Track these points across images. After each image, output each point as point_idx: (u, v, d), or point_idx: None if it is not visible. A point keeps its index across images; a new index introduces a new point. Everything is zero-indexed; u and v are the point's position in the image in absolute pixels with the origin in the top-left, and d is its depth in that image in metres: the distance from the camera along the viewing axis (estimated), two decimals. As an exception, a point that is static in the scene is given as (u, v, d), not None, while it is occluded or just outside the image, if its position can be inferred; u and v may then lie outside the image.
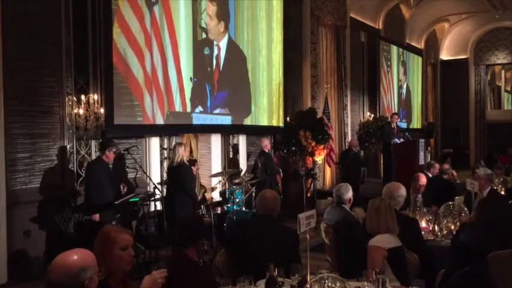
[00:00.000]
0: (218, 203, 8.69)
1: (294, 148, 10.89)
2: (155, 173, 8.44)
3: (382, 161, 13.97)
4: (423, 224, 5.08)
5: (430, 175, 7.90)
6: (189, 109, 8.78)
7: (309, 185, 10.97)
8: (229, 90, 9.70)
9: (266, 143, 9.66)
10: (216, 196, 9.35)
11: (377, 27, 16.40)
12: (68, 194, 7.19)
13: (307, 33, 12.48)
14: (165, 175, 8.26)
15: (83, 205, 6.97)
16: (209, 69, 9.29)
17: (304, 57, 12.44)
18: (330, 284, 2.91)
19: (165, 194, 7.69)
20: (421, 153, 10.90)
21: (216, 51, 9.44)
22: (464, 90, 21.88)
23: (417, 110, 19.51)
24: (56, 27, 7.06)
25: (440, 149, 21.27)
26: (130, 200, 7.08)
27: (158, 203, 7.87)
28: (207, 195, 9.12)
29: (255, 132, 10.74)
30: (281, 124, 11.23)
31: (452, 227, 5.06)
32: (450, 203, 5.51)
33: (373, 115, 15.47)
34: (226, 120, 9.68)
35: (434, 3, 17.74)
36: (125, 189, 7.09)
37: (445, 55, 22.29)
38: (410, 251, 4.03)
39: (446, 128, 22.13)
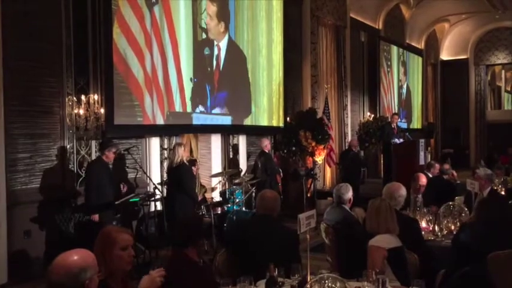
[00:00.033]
0: (218, 203, 8.69)
1: (294, 148, 10.89)
2: (155, 173, 8.45)
3: (382, 161, 13.97)
4: (423, 224, 5.08)
5: (430, 175, 7.91)
6: (189, 109, 8.78)
7: (309, 185, 10.97)
8: (230, 91, 9.70)
9: (266, 143, 9.67)
10: (216, 196, 9.35)
11: (377, 27, 16.40)
12: (68, 194, 7.20)
13: (307, 33, 12.48)
14: (165, 175, 8.26)
15: (83, 205, 6.97)
16: (209, 69, 9.29)
17: (304, 57, 12.44)
18: (330, 284, 2.91)
19: (165, 194, 7.69)
20: (421, 154, 10.90)
21: (216, 52, 9.44)
22: (465, 91, 21.88)
23: (417, 110, 19.51)
24: (56, 27, 7.07)
25: (440, 149, 21.27)
26: (131, 200, 7.08)
27: (158, 203, 7.88)
28: (207, 196, 9.12)
29: (255, 132, 10.74)
30: (281, 124, 11.23)
31: (453, 227, 5.06)
32: (450, 203, 5.51)
33: (373, 115, 15.47)
34: (226, 120, 9.68)
35: (434, 3, 17.75)
36: (125, 189, 7.08)
37: (445, 55, 22.29)
38: (410, 251, 4.03)
39: (446, 128, 22.13)
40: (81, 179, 7.25)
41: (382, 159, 13.93)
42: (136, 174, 8.11)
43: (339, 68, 14.02)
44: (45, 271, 2.28)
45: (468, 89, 21.87)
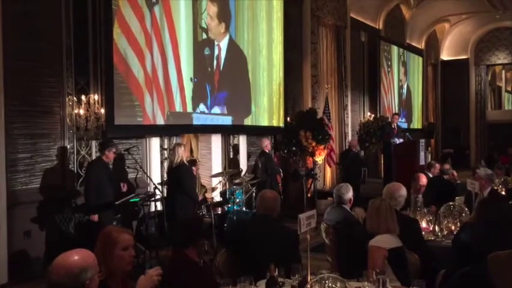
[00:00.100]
0: (218, 203, 8.69)
1: (294, 148, 10.89)
2: (155, 173, 8.45)
3: (382, 161, 13.97)
4: (423, 224, 5.08)
5: (431, 175, 7.91)
6: (189, 109, 8.78)
7: (309, 185, 10.97)
8: (230, 91, 9.70)
9: (266, 143, 9.67)
10: (216, 196, 9.35)
11: (377, 27, 16.40)
12: (68, 194, 7.19)
13: (307, 34, 12.48)
14: (165, 175, 8.25)
15: (83, 205, 6.97)
16: (209, 69, 9.29)
17: (304, 58, 12.44)
18: (330, 284, 2.91)
19: (165, 194, 7.69)
20: (422, 154, 10.89)
21: (216, 52, 9.44)
22: (465, 91, 21.88)
23: (418, 110, 19.52)
24: (56, 27, 7.06)
25: (440, 149, 21.27)
26: (131, 200, 7.08)
27: (158, 203, 7.88)
28: (208, 196, 9.12)
29: (255, 132, 10.74)
30: (281, 124, 11.23)
31: (453, 227, 5.06)
32: (451, 203, 5.51)
33: (373, 115, 15.47)
34: (227, 120, 9.68)
35: (435, 3, 17.74)
36: (125, 188, 7.09)
37: (445, 55, 22.29)
38: (410, 251, 4.03)
39: (446, 128, 22.13)
40: (81, 179, 7.25)
41: (382, 159, 13.93)
42: (137, 175, 8.11)
43: (339, 68, 14.02)
44: (46, 271, 2.28)
45: (468, 89, 21.87)
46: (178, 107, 8.54)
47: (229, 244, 4.32)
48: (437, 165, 8.46)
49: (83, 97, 7.24)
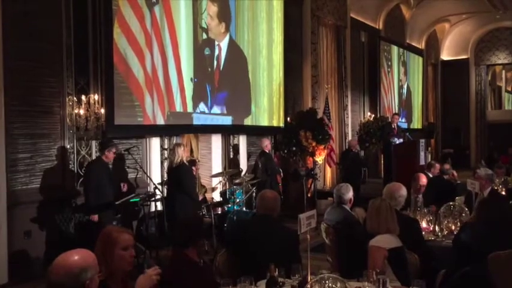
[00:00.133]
0: (219, 203, 8.69)
1: (294, 148, 10.89)
2: (156, 173, 8.45)
3: (382, 161, 13.97)
4: (424, 224, 5.08)
5: (431, 175, 7.91)
6: (189, 109, 8.78)
7: (309, 185, 10.97)
8: (230, 91, 9.70)
9: (266, 143, 9.67)
10: (216, 196, 9.35)
11: (377, 27, 16.40)
12: (68, 194, 7.19)
13: (307, 34, 12.48)
14: (165, 175, 8.25)
15: (83, 205, 6.97)
16: (209, 69, 9.29)
17: (304, 58, 12.44)
18: (330, 284, 2.91)
19: (165, 195, 7.68)
20: (422, 154, 10.89)
21: (216, 52, 9.44)
22: (465, 91, 21.88)
23: (418, 110, 19.52)
24: (56, 27, 7.06)
25: (440, 149, 21.27)
26: (131, 200, 7.08)
27: (159, 203, 7.88)
28: (208, 196, 9.12)
29: (255, 132, 10.74)
30: (281, 124, 11.23)
31: (453, 227, 5.06)
32: (451, 203, 5.51)
33: (373, 115, 15.47)
34: (227, 120, 9.68)
35: (435, 3, 17.74)
36: (125, 188, 7.09)
37: (445, 55, 22.29)
38: (410, 251, 4.03)
39: (446, 128, 22.13)
40: (81, 179, 7.25)
41: (382, 159, 13.93)
42: (137, 175, 8.11)
43: (340, 68, 14.02)
44: (46, 271, 2.27)
45: (468, 89, 21.87)
46: (178, 107, 8.54)
47: (229, 244, 4.31)
48: (438, 165, 8.46)
49: (83, 97, 7.24)
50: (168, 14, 8.34)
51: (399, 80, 17.70)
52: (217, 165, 10.00)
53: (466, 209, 5.32)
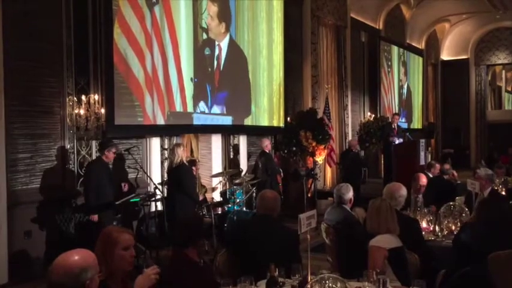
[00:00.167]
0: (219, 203, 8.70)
1: (294, 148, 10.89)
2: (156, 173, 8.45)
3: (382, 161, 13.98)
4: (424, 224, 5.08)
5: (431, 175, 7.91)
6: (189, 109, 8.78)
7: (309, 185, 10.97)
8: (230, 91, 9.70)
9: (267, 143, 9.67)
10: (216, 196, 9.35)
11: (377, 27, 16.40)
12: (68, 194, 7.19)
13: (307, 34, 12.48)
14: (165, 175, 8.25)
15: (83, 205, 6.97)
16: (210, 69, 9.29)
17: (304, 58, 12.44)
18: (330, 284, 2.91)
19: (165, 195, 7.68)
20: (422, 154, 10.89)
21: (217, 52, 9.44)
22: (465, 91, 21.88)
23: (418, 110, 19.52)
24: (57, 27, 7.06)
25: (440, 149, 21.27)
26: (131, 200, 7.08)
27: (159, 203, 7.87)
28: (208, 196, 9.12)
29: (255, 132, 10.74)
30: (281, 124, 11.23)
31: (453, 228, 5.06)
32: (451, 203, 5.51)
33: (373, 115, 15.47)
34: (227, 120, 9.69)
35: (435, 3, 17.74)
36: (126, 188, 7.10)
37: (445, 55, 22.29)
38: (410, 251, 4.03)
39: (446, 128, 22.13)
40: (81, 179, 7.25)
41: (382, 159, 13.94)
42: (137, 175, 8.11)
43: (340, 68, 14.02)
44: (46, 271, 2.28)
45: (469, 89, 21.87)
46: (178, 107, 8.54)
47: (229, 244, 4.31)
48: (438, 165, 8.45)
49: (83, 97, 7.24)
50: (168, 14, 8.34)
51: (399, 80, 17.70)
52: (217, 165, 10.00)
53: (466, 209, 5.32)
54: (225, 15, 9.62)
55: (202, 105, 9.03)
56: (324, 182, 13.10)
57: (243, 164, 10.42)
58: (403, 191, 4.87)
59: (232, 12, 9.85)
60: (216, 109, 9.35)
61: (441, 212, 5.32)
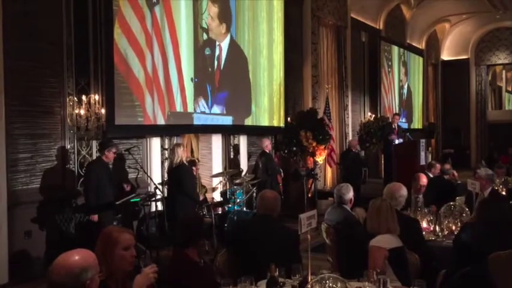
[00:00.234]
0: (219, 203, 8.70)
1: (294, 148, 10.89)
2: (156, 173, 8.45)
3: (383, 161, 13.98)
4: (424, 224, 5.08)
5: (431, 175, 7.91)
6: (189, 109, 8.78)
7: (309, 185, 10.97)
8: (230, 91, 9.70)
9: (267, 144, 9.67)
10: (216, 196, 9.35)
11: (378, 27, 16.39)
12: (68, 194, 7.19)
13: (308, 34, 12.48)
14: (165, 175, 8.25)
15: (83, 205, 6.97)
16: (210, 69, 9.29)
17: (305, 58, 12.44)
18: (331, 284, 2.91)
19: (166, 194, 7.69)
20: (422, 154, 10.89)
21: (217, 52, 9.44)
22: (465, 91, 21.88)
23: (418, 110, 19.52)
24: (57, 27, 7.06)
25: (441, 149, 21.27)
26: (131, 200, 7.08)
27: (159, 203, 7.87)
28: (208, 196, 9.12)
29: (255, 132, 10.74)
30: (282, 124, 11.23)
31: (453, 228, 5.06)
32: (451, 203, 5.51)
33: (374, 115, 15.47)
34: (227, 120, 9.68)
35: (435, 3, 17.74)
36: (128, 188, 7.11)
37: (445, 55, 22.29)
38: (411, 252, 4.03)
39: (447, 128, 22.13)
40: (82, 179, 7.25)
41: (382, 159, 13.94)
42: (137, 175, 8.11)
43: (340, 68, 14.01)
44: (46, 271, 2.28)
45: (469, 89, 21.87)
46: (178, 107, 8.54)
47: (229, 244, 4.31)
48: (438, 165, 8.45)
49: (84, 97, 7.24)
50: (168, 14, 8.34)
51: (400, 80, 17.70)
52: (217, 165, 10.00)
53: (467, 209, 5.32)
54: (225, 16, 9.62)
55: (202, 105, 9.03)
56: (324, 182, 13.10)
57: (243, 164, 10.42)
58: (404, 191, 4.87)
59: (233, 12, 9.85)
60: (216, 109, 9.35)
61: (441, 212, 5.32)
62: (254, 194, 8.68)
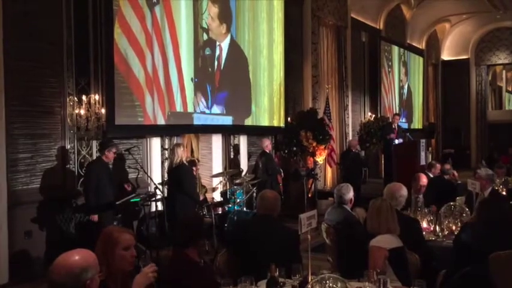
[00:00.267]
0: (219, 203, 8.69)
1: (295, 148, 10.89)
2: (156, 173, 8.45)
3: (383, 161, 13.97)
4: (424, 224, 5.08)
5: (431, 175, 7.91)
6: (190, 109, 8.78)
7: (310, 186, 10.97)
8: (230, 91, 9.70)
9: (267, 144, 9.67)
10: (217, 196, 9.35)
11: (378, 27, 16.39)
12: (69, 194, 7.19)
13: (308, 34, 12.48)
14: (166, 175, 8.25)
15: (84, 205, 6.97)
16: (210, 69, 9.29)
17: (305, 58, 12.44)
18: (331, 284, 2.91)
19: (166, 194, 7.69)
20: (422, 154, 10.89)
21: (217, 52, 9.44)
22: (466, 91, 21.87)
23: (418, 110, 19.52)
24: (57, 27, 7.06)
25: (441, 149, 21.27)
26: (132, 200, 7.08)
27: (159, 203, 7.87)
28: (208, 196, 9.12)
29: (255, 132, 10.74)
30: (282, 124, 11.23)
31: (454, 228, 5.06)
32: (451, 203, 5.51)
33: (374, 115, 15.47)
34: (227, 120, 9.68)
35: (435, 3, 17.74)
36: (129, 188, 7.11)
37: (446, 55, 22.29)
38: (411, 252, 4.03)
39: (447, 128, 22.13)
40: (81, 179, 7.25)
41: (383, 159, 13.94)
42: (137, 175, 8.11)
43: (340, 68, 14.01)
44: (46, 271, 2.28)
45: (469, 89, 21.87)
46: (178, 107, 8.54)
47: (229, 244, 4.32)
48: (438, 165, 8.45)
49: (84, 97, 7.24)
50: (168, 14, 8.34)
51: (400, 80, 17.70)
52: (217, 166, 10.00)
53: (467, 209, 5.32)
54: (225, 16, 9.62)
55: (202, 106, 9.03)
56: (325, 182, 13.10)
57: (244, 164, 10.42)
58: (404, 191, 4.87)
59: (233, 13, 9.85)
60: (216, 109, 9.35)
61: (441, 212, 5.32)
62: (254, 194, 8.67)
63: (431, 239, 4.89)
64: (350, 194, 5.09)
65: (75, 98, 7.20)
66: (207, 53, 9.20)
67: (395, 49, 17.22)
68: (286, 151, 11.02)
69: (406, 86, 18.34)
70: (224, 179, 9.31)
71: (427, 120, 20.45)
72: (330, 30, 13.63)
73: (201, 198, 8.20)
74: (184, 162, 7.03)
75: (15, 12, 6.54)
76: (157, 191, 7.25)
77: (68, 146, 7.19)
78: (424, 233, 4.86)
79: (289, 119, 11.40)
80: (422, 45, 20.09)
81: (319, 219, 3.87)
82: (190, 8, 8.80)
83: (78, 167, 7.32)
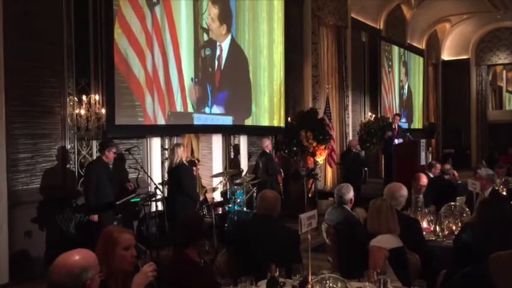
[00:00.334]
0: (219, 203, 8.69)
1: (295, 148, 10.89)
2: (156, 173, 8.45)
3: (383, 161, 13.97)
4: (424, 224, 5.08)
5: (431, 175, 7.90)
6: (190, 109, 8.78)
7: (310, 186, 10.96)
8: (230, 91, 9.70)
9: (267, 144, 9.66)
10: (217, 196, 9.35)
11: (378, 27, 16.39)
12: (69, 194, 7.20)
13: (308, 34, 12.48)
14: (166, 175, 8.25)
15: (84, 205, 6.97)
16: (210, 69, 9.29)
17: (305, 58, 12.44)
18: (331, 284, 2.91)
19: (166, 194, 7.68)
20: (423, 154, 10.89)
21: (217, 52, 9.44)
22: (466, 91, 21.86)
23: (418, 110, 19.52)
24: (57, 27, 7.06)
25: (441, 149, 21.26)
26: (132, 200, 7.07)
27: (159, 203, 7.87)
28: (208, 196, 9.12)
29: (256, 132, 10.74)
30: (282, 124, 11.23)
31: (454, 228, 5.06)
32: (451, 203, 5.51)
33: (374, 115, 15.47)
34: (227, 120, 9.68)
35: (436, 3, 17.74)
36: (132, 188, 7.12)
37: (446, 55, 22.28)
38: (411, 252, 4.03)
39: (447, 128, 22.12)
40: (82, 179, 7.25)
41: (383, 159, 13.94)
42: (138, 175, 8.10)
43: (340, 68, 14.01)
44: (46, 271, 2.28)
45: (469, 89, 21.86)
46: (179, 107, 8.54)
47: (230, 244, 4.32)
48: (438, 165, 8.45)
49: (84, 97, 7.24)
50: (168, 14, 8.34)
51: (400, 80, 17.69)
52: (217, 166, 10.00)
53: (467, 209, 5.32)
54: (225, 17, 9.62)
55: (202, 105, 9.03)
56: (325, 182, 13.10)
57: (244, 164, 10.42)
58: (404, 191, 4.87)
59: (233, 13, 9.85)
60: (216, 109, 9.35)
61: (442, 212, 5.31)
62: (254, 194, 8.67)
63: (431, 239, 4.89)
64: (350, 194, 5.09)
65: (75, 98, 7.20)
66: (207, 53, 9.20)
67: (396, 49, 17.22)
68: (286, 151, 11.02)
69: (406, 86, 18.33)
70: (224, 179, 9.31)
71: (427, 120, 20.45)
72: (330, 30, 13.63)
73: (201, 198, 8.20)
74: (184, 162, 7.03)
75: (15, 12, 6.54)
76: (158, 191, 7.25)
77: (68, 146, 7.19)
78: (424, 233, 4.86)
79: (289, 119, 11.40)
80: (422, 45, 20.09)
81: (320, 219, 3.88)
82: (190, 8, 8.80)
83: (78, 167, 7.32)
